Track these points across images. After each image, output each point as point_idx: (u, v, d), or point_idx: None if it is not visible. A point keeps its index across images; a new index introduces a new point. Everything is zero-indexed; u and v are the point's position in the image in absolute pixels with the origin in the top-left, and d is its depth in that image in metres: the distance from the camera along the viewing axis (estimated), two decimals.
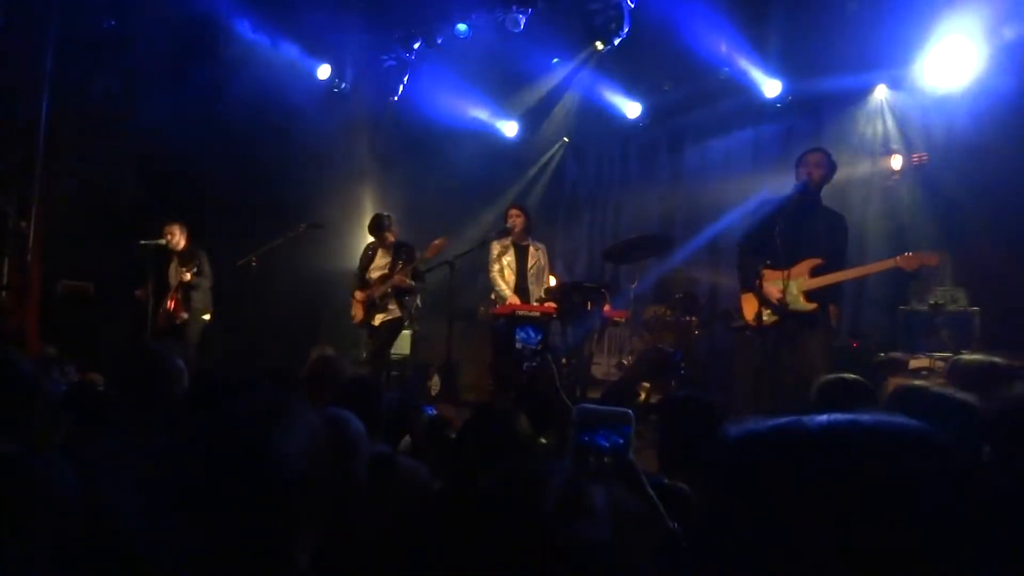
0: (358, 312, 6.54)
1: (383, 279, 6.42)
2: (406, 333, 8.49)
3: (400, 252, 6.47)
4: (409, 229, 7.05)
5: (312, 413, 1.31)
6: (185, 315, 6.70)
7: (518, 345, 1.82)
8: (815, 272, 4.28)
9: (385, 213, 6.83)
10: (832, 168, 4.50)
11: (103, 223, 7.23)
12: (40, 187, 6.91)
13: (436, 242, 6.29)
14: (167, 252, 6.84)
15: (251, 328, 7.27)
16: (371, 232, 6.67)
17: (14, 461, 1.61)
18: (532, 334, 1.82)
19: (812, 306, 4.26)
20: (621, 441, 1.55)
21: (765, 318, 4.30)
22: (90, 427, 2.18)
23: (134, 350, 2.59)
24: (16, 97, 6.85)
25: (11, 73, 6.75)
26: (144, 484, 1.25)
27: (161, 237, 6.77)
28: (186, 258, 6.76)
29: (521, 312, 5.81)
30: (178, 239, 6.80)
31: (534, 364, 1.99)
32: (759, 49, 7.26)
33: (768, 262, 4.22)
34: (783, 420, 0.76)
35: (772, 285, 4.26)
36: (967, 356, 3.92)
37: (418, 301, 6.77)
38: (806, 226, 4.32)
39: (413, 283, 6.38)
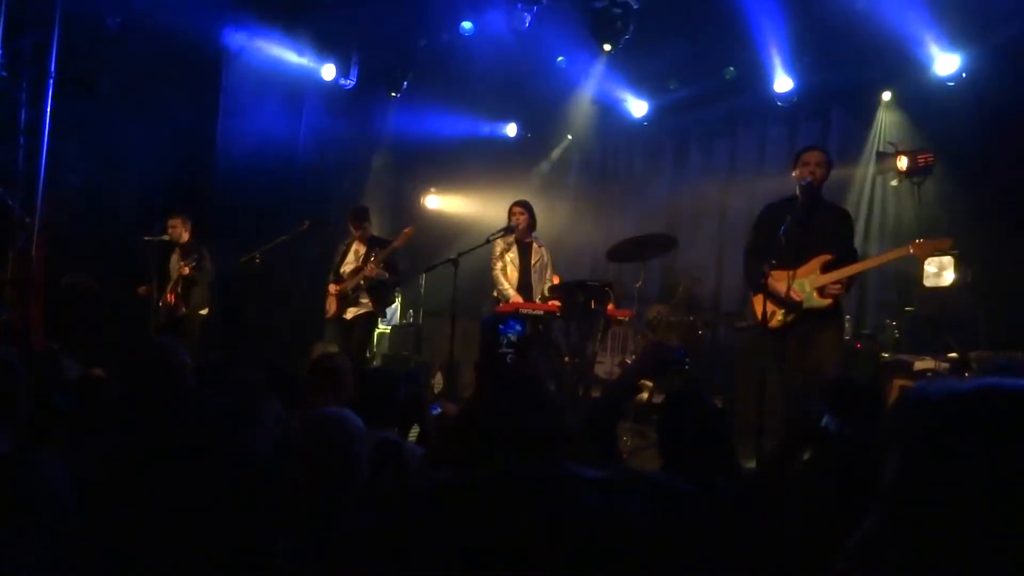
0: (331, 306, 6.55)
1: (356, 271, 6.43)
2: (410, 331, 8.50)
3: (374, 245, 6.49)
4: (404, 226, 7.05)
5: (281, 409, 1.32)
6: (184, 309, 6.71)
7: (511, 337, 1.82)
8: (826, 268, 4.25)
9: (365, 206, 6.86)
10: (831, 166, 4.45)
11: (108, 219, 7.24)
12: (45, 182, 6.92)
13: (405, 231, 6.44)
14: (170, 246, 6.84)
15: (254, 325, 7.28)
16: (352, 222, 6.66)
17: (7, 461, 1.61)
18: (516, 328, 1.82)
19: (826, 302, 4.23)
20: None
21: (779, 318, 4.27)
22: (94, 423, 2.17)
23: (140, 345, 2.58)
24: (21, 92, 6.86)
25: (16, 68, 6.76)
26: (137, 481, 1.25)
27: (164, 232, 6.78)
28: (188, 251, 6.76)
29: (524, 310, 5.81)
30: (180, 232, 6.80)
31: (518, 357, 2.02)
32: (767, 48, 7.24)
33: (773, 262, 4.18)
34: (984, 381, 0.78)
35: (780, 284, 4.22)
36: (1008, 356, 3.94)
37: (395, 295, 6.76)
38: (812, 224, 4.28)
39: (385, 273, 6.37)
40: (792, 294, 4.18)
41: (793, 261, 4.14)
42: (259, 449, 1.18)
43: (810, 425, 2.11)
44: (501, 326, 1.89)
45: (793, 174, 4.42)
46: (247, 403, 1.24)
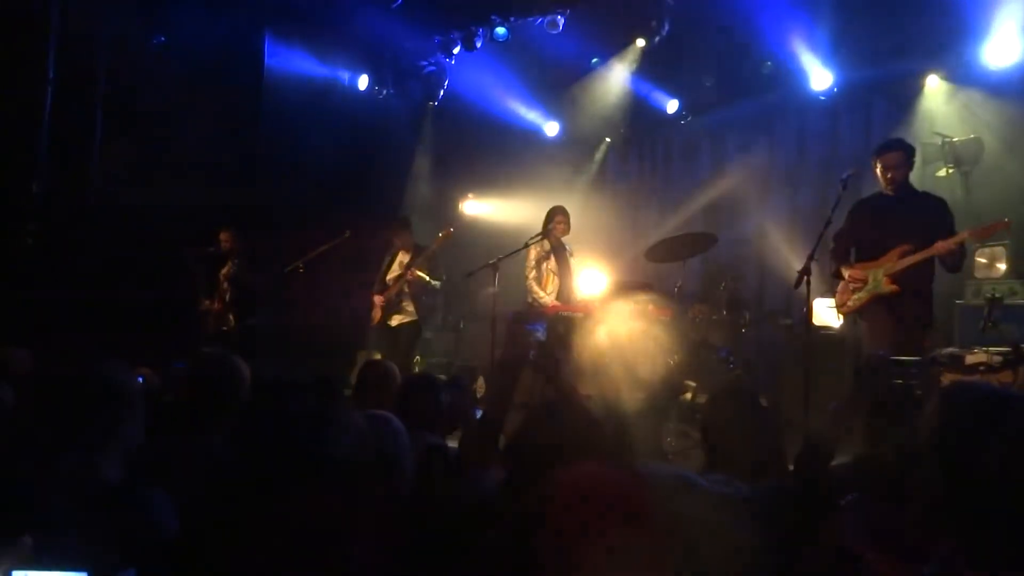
0: (376, 313, 6.65)
1: (398, 279, 6.52)
2: (452, 335, 8.56)
3: (418, 253, 6.57)
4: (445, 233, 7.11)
5: (358, 415, 1.35)
6: (233, 319, 6.86)
7: (538, 336, 1.85)
8: (903, 257, 4.39)
9: (407, 216, 6.94)
10: (910, 159, 4.56)
11: (155, 233, 7.43)
12: (95, 197, 7.16)
13: (441, 234, 6.55)
14: (217, 258, 7.01)
15: (298, 334, 7.40)
16: (394, 233, 6.75)
17: (118, 492, 1.68)
18: (538, 326, 1.85)
19: (893, 287, 4.33)
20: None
21: (849, 304, 4.49)
22: (154, 432, 2.23)
23: (201, 356, 2.65)
24: (72, 113, 7.09)
25: (66, 91, 6.99)
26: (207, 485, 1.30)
27: (211, 244, 6.96)
28: (237, 263, 6.93)
29: (563, 313, 5.82)
30: (230, 244, 6.97)
31: (540, 354, 2.07)
32: (805, 40, 7.13)
33: (853, 258, 4.51)
34: None
35: (855, 272, 4.49)
36: None
37: (437, 301, 6.82)
38: (894, 216, 4.44)
39: (427, 278, 6.44)
40: (860, 281, 4.44)
41: (877, 254, 4.44)
42: (342, 455, 1.22)
43: (877, 376, 2.10)
44: (528, 325, 1.91)
45: (876, 172, 4.54)
46: (331, 411, 1.29)
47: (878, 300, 4.38)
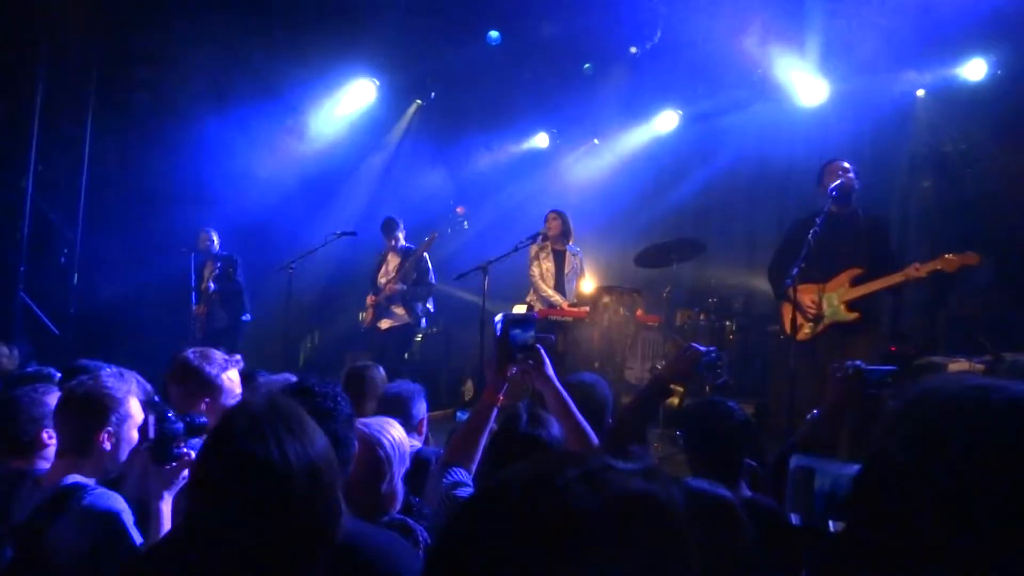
0: (368, 316, 6.68)
1: (387, 283, 6.55)
2: (441, 338, 8.56)
3: (407, 255, 6.59)
4: (442, 236, 7.12)
5: (320, 425, 1.36)
6: (225, 317, 6.85)
7: (527, 339, 1.84)
8: (856, 281, 4.24)
9: (395, 217, 6.96)
10: (856, 174, 4.41)
11: (143, 233, 7.41)
12: (86, 197, 7.14)
13: (427, 238, 6.59)
14: (203, 257, 7.00)
15: (286, 335, 7.39)
16: (384, 233, 6.78)
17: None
18: (526, 329, 1.84)
19: (854, 315, 4.22)
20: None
21: (806, 331, 4.27)
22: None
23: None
24: (64, 111, 7.07)
25: (60, 91, 6.97)
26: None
27: (198, 244, 6.95)
28: (220, 263, 6.92)
29: (554, 317, 5.85)
30: (206, 245, 6.97)
31: (527, 358, 2.05)
32: (796, 50, 7.19)
33: (802, 266, 4.16)
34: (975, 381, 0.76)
35: (807, 297, 4.25)
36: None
37: (429, 305, 6.83)
38: (841, 236, 4.26)
39: (401, 286, 6.44)
40: (816, 308, 4.20)
41: (823, 274, 4.17)
42: (303, 464, 1.22)
43: (856, 384, 2.10)
44: (517, 329, 1.90)
45: (820, 188, 4.41)
46: (294, 420, 1.29)
47: (834, 327, 4.24)
